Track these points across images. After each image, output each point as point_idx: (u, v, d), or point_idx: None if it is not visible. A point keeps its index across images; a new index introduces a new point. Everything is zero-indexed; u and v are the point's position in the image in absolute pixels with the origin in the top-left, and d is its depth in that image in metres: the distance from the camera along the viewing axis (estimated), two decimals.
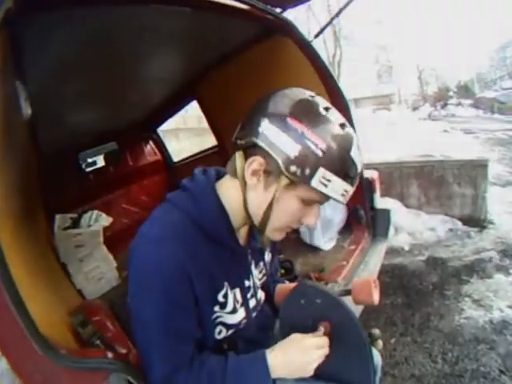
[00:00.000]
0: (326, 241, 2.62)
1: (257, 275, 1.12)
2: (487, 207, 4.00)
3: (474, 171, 3.94)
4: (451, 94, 26.93)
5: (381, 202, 2.67)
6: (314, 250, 2.63)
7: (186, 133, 11.24)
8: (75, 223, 2.82)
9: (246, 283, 1.06)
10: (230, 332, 1.03)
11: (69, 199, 3.31)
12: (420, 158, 5.17)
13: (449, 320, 2.55)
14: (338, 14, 2.60)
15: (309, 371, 0.91)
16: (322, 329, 0.99)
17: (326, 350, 0.93)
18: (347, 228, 2.73)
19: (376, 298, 1.32)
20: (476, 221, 3.97)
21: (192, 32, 2.11)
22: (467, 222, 3.98)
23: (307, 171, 0.79)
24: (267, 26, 2.33)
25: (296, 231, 2.70)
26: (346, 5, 2.31)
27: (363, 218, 2.59)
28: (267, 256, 1.19)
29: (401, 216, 4.02)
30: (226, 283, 0.96)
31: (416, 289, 2.99)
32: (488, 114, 19.85)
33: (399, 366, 2.20)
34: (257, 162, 0.83)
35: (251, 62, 2.71)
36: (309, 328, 1.00)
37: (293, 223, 0.91)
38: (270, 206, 0.86)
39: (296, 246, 2.73)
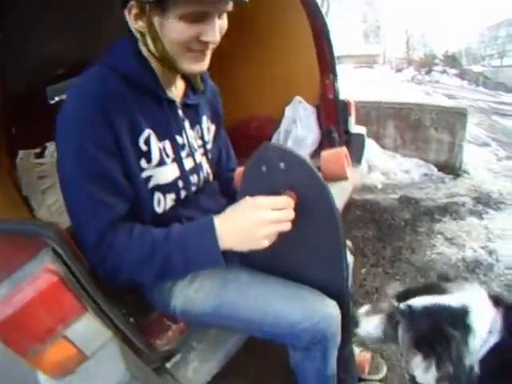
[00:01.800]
0: None
1: (193, 136, 1.15)
2: (463, 156, 4.17)
3: (452, 118, 4.06)
4: (437, 61, 27.22)
5: (356, 128, 2.68)
6: None
7: None
8: (39, 156, 2.71)
9: (179, 139, 1.08)
10: (170, 201, 1.06)
11: (36, 135, 3.17)
12: (398, 101, 5.19)
13: (420, 254, 2.67)
14: None
15: (260, 238, 0.86)
16: (285, 195, 0.91)
17: (286, 214, 0.87)
18: (320, 152, 2.74)
19: (349, 172, 1.31)
20: (451, 168, 4.13)
21: None
22: (442, 168, 4.14)
23: None
24: None
25: None
26: None
27: (336, 141, 2.58)
28: (206, 122, 1.22)
29: (375, 155, 4.13)
30: (148, 130, 0.98)
31: (388, 223, 3.10)
32: (472, 86, 20.40)
33: (369, 296, 2.29)
34: (130, 6, 0.88)
35: None
36: None
37: (190, 43, 0.91)
38: (160, 40, 0.90)
39: None
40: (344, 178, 1.30)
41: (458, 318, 0.93)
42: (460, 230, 2.96)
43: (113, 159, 0.91)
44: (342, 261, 1.06)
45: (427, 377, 1.05)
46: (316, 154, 2.70)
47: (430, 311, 0.96)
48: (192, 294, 1.10)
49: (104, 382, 0.96)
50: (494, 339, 0.94)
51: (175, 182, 1.06)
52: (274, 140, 2.71)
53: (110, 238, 0.89)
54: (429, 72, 21.38)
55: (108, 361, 0.94)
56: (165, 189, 1.04)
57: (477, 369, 0.94)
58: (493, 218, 3.19)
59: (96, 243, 0.88)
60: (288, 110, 2.71)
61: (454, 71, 23.26)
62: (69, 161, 0.89)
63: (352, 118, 2.61)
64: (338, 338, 1.14)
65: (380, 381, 1.69)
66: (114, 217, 0.90)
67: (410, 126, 4.22)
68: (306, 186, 0.93)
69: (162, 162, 1.02)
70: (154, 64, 0.99)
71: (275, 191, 0.92)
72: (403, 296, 1.06)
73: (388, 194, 3.66)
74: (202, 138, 1.19)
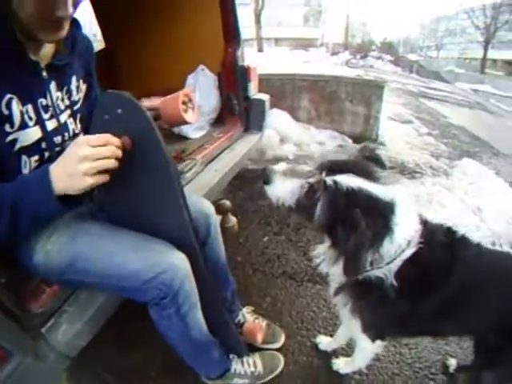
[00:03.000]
0: (193, 129, 2.58)
1: (60, 97, 1.14)
2: (379, 128, 4.32)
3: (368, 91, 4.21)
4: (374, 48, 28.48)
5: (258, 95, 2.71)
6: (182, 138, 2.58)
7: None
8: None
9: (42, 101, 1.07)
10: (34, 162, 1.06)
11: None
12: (314, 73, 5.31)
13: None
14: None
15: (81, 175, 0.85)
16: (122, 139, 0.93)
17: (108, 150, 0.88)
18: (220, 120, 2.75)
19: (189, 116, 1.24)
20: (367, 139, 4.30)
21: None
22: (357, 140, 4.28)
23: None
24: None
25: None
26: None
27: (236, 108, 2.63)
28: (76, 82, 1.21)
29: (289, 128, 4.16)
30: (9, 95, 0.96)
31: None
32: (406, 73, 21.67)
33: (270, 264, 2.29)
34: None
35: None
36: None
37: (44, 16, 0.90)
38: (13, 10, 0.89)
39: (164, 136, 2.64)
40: (183, 121, 1.24)
41: (382, 210, 0.91)
42: None
43: None
44: (181, 210, 1.06)
45: (336, 270, 1.07)
46: (217, 120, 2.71)
47: (355, 193, 0.92)
48: (49, 248, 1.09)
49: None
50: (410, 251, 0.96)
51: (38, 143, 1.06)
52: None
53: None
54: (364, 57, 22.34)
55: None
56: (29, 151, 1.04)
57: (392, 280, 0.97)
58: (406, 186, 3.38)
59: None
60: (190, 79, 2.70)
61: (389, 58, 24.55)
62: None
63: (252, 84, 2.63)
64: (191, 293, 1.14)
65: (278, 350, 1.67)
66: None
67: (324, 98, 4.31)
68: (140, 131, 0.96)
69: (24, 126, 1.01)
70: (16, 28, 0.95)
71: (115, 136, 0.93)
72: (329, 169, 1.00)
73: (298, 165, 3.64)
74: (69, 98, 1.19)
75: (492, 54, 35.51)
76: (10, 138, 0.99)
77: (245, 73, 2.58)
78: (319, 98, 4.32)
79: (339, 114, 4.31)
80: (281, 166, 1.09)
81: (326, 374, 1.58)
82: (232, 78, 2.60)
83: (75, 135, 1.21)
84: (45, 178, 0.88)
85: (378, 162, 1.09)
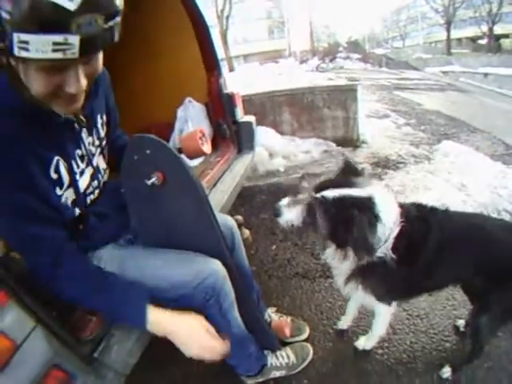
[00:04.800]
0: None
1: (91, 142, 1.21)
2: (359, 128, 4.63)
3: (343, 95, 4.51)
4: (341, 49, 28.98)
5: (244, 117, 2.97)
6: None
7: None
8: None
9: (78, 152, 1.15)
10: (78, 210, 1.17)
11: None
12: (291, 87, 5.59)
13: None
14: None
15: (200, 348, 1.10)
16: (154, 177, 1.14)
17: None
18: (214, 145, 2.92)
19: (206, 147, 1.50)
20: (349, 141, 4.59)
21: None
22: (341, 143, 4.57)
23: (7, 43, 0.74)
24: None
25: None
26: None
27: (227, 132, 2.84)
28: (100, 119, 1.28)
29: (275, 142, 4.43)
30: (56, 157, 1.05)
31: None
32: (376, 68, 22.18)
33: (283, 268, 2.48)
34: None
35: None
36: (144, 188, 1.17)
37: (56, 93, 0.90)
38: (26, 88, 0.89)
39: None
40: (202, 153, 1.49)
41: (365, 205, 1.15)
42: None
43: (37, 193, 1.00)
44: (212, 225, 1.27)
45: (344, 266, 1.35)
46: (212, 147, 2.92)
47: (341, 200, 1.18)
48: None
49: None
50: (397, 229, 1.23)
51: (84, 193, 1.19)
52: (171, 142, 2.86)
53: (62, 262, 1.05)
54: (333, 59, 22.72)
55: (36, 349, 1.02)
56: (77, 202, 1.16)
57: (391, 254, 1.22)
58: (392, 177, 3.63)
59: (50, 276, 1.05)
60: (180, 111, 2.91)
61: (356, 56, 25.02)
62: None
63: (238, 109, 2.87)
64: (229, 293, 1.33)
65: (305, 341, 1.85)
66: (58, 245, 1.06)
67: (303, 109, 4.59)
68: (169, 166, 1.16)
69: (72, 183, 1.12)
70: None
71: (146, 174, 1.15)
72: (319, 189, 1.23)
73: (290, 175, 3.95)
74: (98, 138, 1.26)
75: (455, 33, 36.50)
76: (63, 199, 1.09)
77: (230, 99, 2.80)
78: (298, 109, 4.59)
79: (320, 122, 4.58)
80: (285, 201, 1.34)
81: (352, 353, 1.77)
82: (219, 105, 2.81)
83: (104, 175, 1.32)
84: (143, 317, 1.08)
85: (356, 170, 1.36)
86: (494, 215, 2.89)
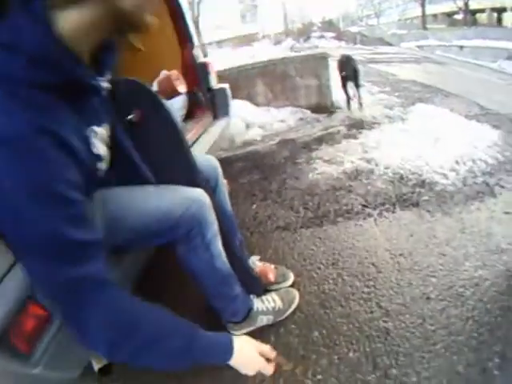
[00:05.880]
0: None
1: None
2: (332, 95, 4.73)
3: (314, 63, 4.61)
4: (315, 28, 29.07)
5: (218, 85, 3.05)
6: None
7: None
8: None
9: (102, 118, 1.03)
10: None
11: None
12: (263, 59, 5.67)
13: (304, 179, 3.03)
14: None
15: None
16: (133, 114, 1.23)
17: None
18: (191, 114, 2.99)
19: (181, 87, 1.57)
20: (324, 108, 4.69)
21: None
22: (316, 110, 4.67)
23: None
24: None
25: None
26: None
27: (202, 100, 2.92)
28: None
29: (251, 113, 4.51)
30: (92, 128, 0.91)
31: (269, 164, 3.44)
32: (350, 45, 22.37)
33: (263, 224, 2.54)
34: None
35: None
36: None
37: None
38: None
39: None
40: (177, 92, 1.57)
41: None
42: (337, 151, 3.42)
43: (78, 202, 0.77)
44: (189, 158, 1.36)
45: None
46: (188, 116, 2.96)
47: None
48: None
49: None
50: None
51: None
52: None
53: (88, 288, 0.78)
54: (307, 39, 22.85)
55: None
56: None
57: None
58: (367, 136, 3.74)
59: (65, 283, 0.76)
60: (155, 84, 2.94)
61: (331, 34, 25.19)
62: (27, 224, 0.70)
63: (212, 76, 2.96)
64: (213, 223, 1.35)
65: (291, 286, 1.89)
66: (94, 270, 0.79)
67: (277, 79, 4.66)
68: (147, 104, 1.27)
69: (104, 153, 0.98)
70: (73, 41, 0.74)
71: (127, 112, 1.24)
72: None
73: (267, 143, 4.03)
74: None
75: (431, 9, 36.81)
76: (102, 169, 0.98)
77: (204, 67, 2.89)
78: (272, 80, 4.66)
79: (293, 91, 4.66)
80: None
81: (338, 294, 1.82)
82: (193, 74, 2.89)
83: None
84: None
85: None
86: (470, 164, 3.02)
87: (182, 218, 1.24)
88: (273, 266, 1.93)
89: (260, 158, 3.62)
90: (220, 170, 1.73)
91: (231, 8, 38.72)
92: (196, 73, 2.89)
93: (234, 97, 4.36)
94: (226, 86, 3.04)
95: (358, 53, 14.36)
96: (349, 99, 4.71)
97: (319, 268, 2.02)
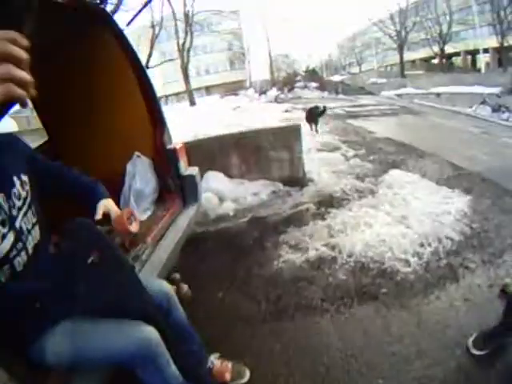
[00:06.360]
0: (140, 211, 2.86)
1: (12, 205, 1.28)
2: (304, 167, 4.86)
3: (286, 136, 4.76)
4: (299, 78, 30.00)
5: (188, 169, 3.10)
6: None
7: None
8: None
9: None
10: (8, 273, 1.22)
11: None
12: (238, 131, 5.83)
13: (269, 266, 3.05)
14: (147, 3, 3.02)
15: None
16: (91, 256, 1.33)
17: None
18: (161, 198, 3.07)
19: (134, 227, 1.62)
20: (296, 181, 4.75)
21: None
22: (288, 183, 4.73)
23: None
24: (86, 17, 2.56)
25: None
26: None
27: (172, 187, 2.98)
28: (18, 181, 1.33)
29: (224, 186, 4.55)
30: None
31: (239, 246, 3.45)
32: (333, 95, 23.15)
33: (226, 314, 2.55)
34: None
35: (76, 57, 2.88)
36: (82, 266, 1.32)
37: None
38: None
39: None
40: (130, 233, 1.61)
41: None
42: (303, 235, 3.44)
43: None
44: (142, 295, 1.46)
45: None
46: (159, 199, 3.04)
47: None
48: (55, 347, 1.35)
49: None
50: None
51: (7, 255, 1.21)
52: (122, 197, 2.95)
53: None
54: (291, 89, 23.51)
55: None
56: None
57: None
58: (335, 217, 3.76)
59: None
60: (129, 166, 2.99)
61: (314, 85, 26.07)
62: None
63: (181, 163, 3.00)
64: (163, 355, 1.45)
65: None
66: None
67: (250, 151, 4.75)
68: (102, 247, 1.35)
69: None
70: None
71: (83, 253, 1.33)
72: None
73: (239, 219, 4.05)
74: (19, 199, 1.31)
75: (409, 55, 38.71)
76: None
77: (174, 154, 2.94)
78: (246, 152, 4.74)
79: (267, 163, 4.75)
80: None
81: None
82: (164, 160, 2.96)
83: (33, 225, 1.37)
84: None
85: None
86: (435, 244, 3.07)
87: (134, 355, 1.38)
88: (230, 364, 1.98)
89: (230, 237, 3.64)
90: (172, 294, 1.79)
91: (220, 54, 40.17)
92: (166, 158, 2.95)
93: (208, 168, 4.48)
94: (196, 171, 3.09)
95: (339, 105, 14.87)
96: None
97: (274, 366, 2.04)
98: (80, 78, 2.92)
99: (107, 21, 2.67)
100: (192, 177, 3.03)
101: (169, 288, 1.81)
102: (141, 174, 2.93)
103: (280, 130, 4.82)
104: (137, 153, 2.98)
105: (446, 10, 33.46)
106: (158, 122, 2.95)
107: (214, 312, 2.59)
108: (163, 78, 37.64)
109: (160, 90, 39.35)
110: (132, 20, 3.06)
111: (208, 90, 39.02)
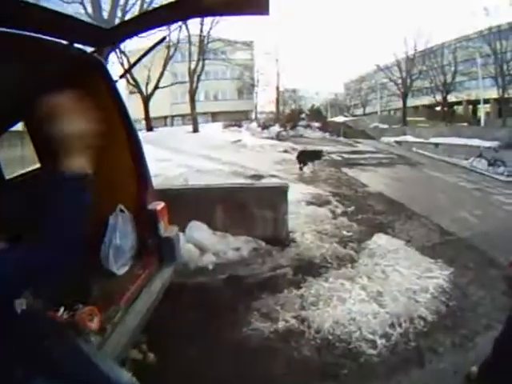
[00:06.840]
0: (118, 266, 2.87)
1: None
2: (288, 227, 4.90)
3: (273, 195, 4.85)
4: (303, 116, 30.43)
5: (168, 229, 3.11)
6: (111, 274, 2.83)
7: None
8: None
9: None
10: None
11: None
12: (226, 184, 5.95)
13: (238, 332, 3.03)
14: (139, 60, 3.21)
15: None
16: None
17: None
18: (139, 255, 3.05)
19: (94, 325, 1.64)
20: (278, 240, 4.78)
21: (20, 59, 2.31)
22: (270, 242, 4.75)
23: None
24: (81, 63, 2.68)
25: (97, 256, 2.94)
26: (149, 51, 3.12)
27: (151, 247, 3.00)
28: None
29: (207, 238, 4.58)
30: None
31: (214, 305, 3.41)
32: (334, 137, 23.52)
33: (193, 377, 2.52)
34: None
35: (70, 93, 2.96)
36: None
37: None
38: None
39: (96, 270, 2.87)
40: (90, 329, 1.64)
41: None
42: (276, 304, 3.41)
43: None
44: None
45: None
46: (137, 256, 3.02)
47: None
48: None
49: None
50: None
51: None
52: (102, 248, 2.96)
53: None
54: (293, 127, 23.79)
55: None
56: None
57: None
58: (310, 286, 3.74)
59: None
60: (111, 219, 2.99)
61: (317, 125, 26.48)
62: None
63: (162, 224, 3.02)
64: None
65: None
66: None
67: (236, 206, 4.78)
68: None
69: None
70: None
71: None
72: None
73: (217, 275, 4.05)
74: None
75: (413, 101, 39.48)
76: None
77: (154, 214, 2.97)
78: (231, 207, 4.78)
79: (251, 220, 4.78)
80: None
81: None
82: (144, 220, 2.98)
83: None
84: None
85: None
86: (406, 325, 3.05)
87: None
88: None
89: (206, 294, 3.63)
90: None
91: (230, 83, 40.89)
92: (147, 218, 2.97)
93: (193, 218, 4.51)
94: (174, 232, 3.12)
95: (338, 149, 15.08)
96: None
97: None
98: (74, 114, 2.96)
99: (99, 70, 2.76)
100: (170, 239, 3.05)
101: (129, 378, 1.65)
102: (121, 230, 2.94)
103: (267, 189, 4.92)
104: (120, 206, 3.00)
105: (452, 60, 34.54)
106: (142, 177, 3.00)
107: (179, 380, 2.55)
108: (172, 98, 38.55)
109: (167, 109, 40.18)
110: (125, 73, 3.17)
111: (214, 115, 39.53)
